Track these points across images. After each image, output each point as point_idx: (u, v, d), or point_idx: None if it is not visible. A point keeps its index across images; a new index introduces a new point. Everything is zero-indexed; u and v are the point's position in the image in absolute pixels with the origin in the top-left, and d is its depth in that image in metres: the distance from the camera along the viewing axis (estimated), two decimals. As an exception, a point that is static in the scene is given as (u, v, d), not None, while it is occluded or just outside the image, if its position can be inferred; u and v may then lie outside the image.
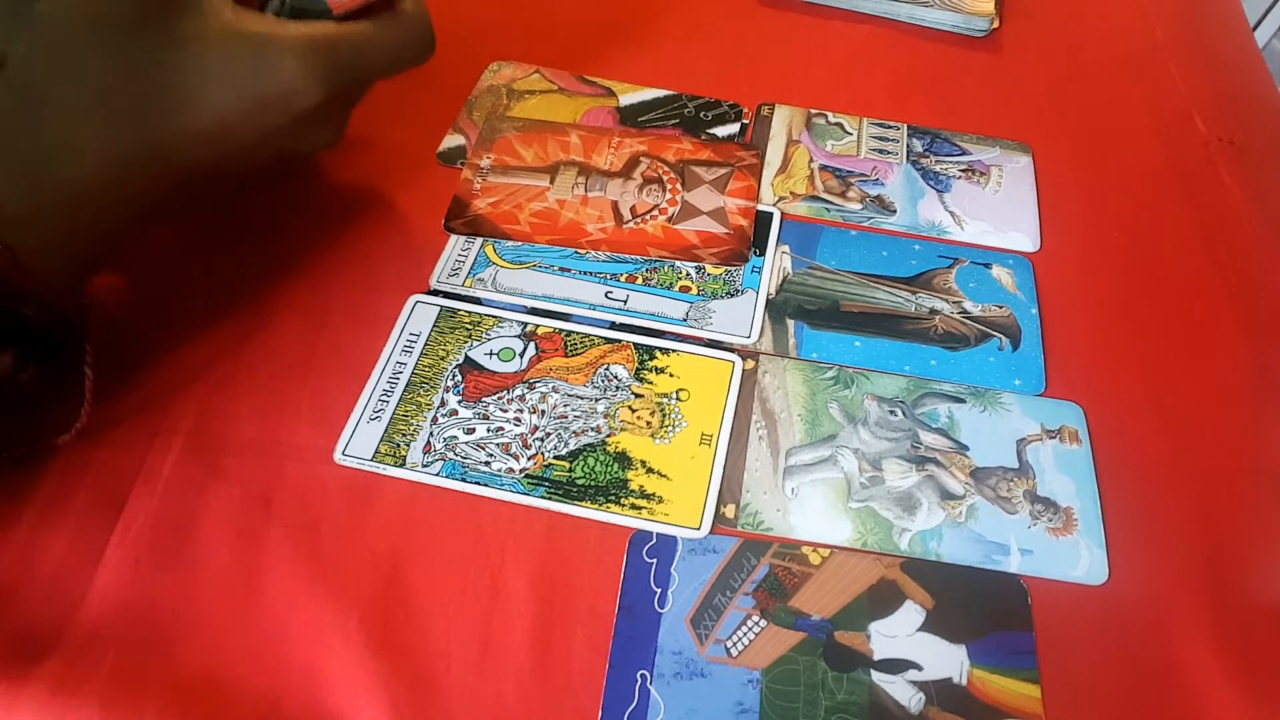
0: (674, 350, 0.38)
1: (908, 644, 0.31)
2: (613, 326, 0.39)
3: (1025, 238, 0.44)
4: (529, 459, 0.35)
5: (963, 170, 0.46)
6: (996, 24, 0.54)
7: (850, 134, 0.48)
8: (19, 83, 0.30)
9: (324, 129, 0.37)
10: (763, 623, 0.32)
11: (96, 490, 0.33)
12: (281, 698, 0.29)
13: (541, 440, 0.35)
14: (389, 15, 0.38)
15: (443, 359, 0.37)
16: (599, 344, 0.38)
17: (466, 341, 0.38)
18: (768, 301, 0.40)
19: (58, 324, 0.31)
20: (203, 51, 0.32)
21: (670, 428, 0.36)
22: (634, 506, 0.34)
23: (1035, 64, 0.53)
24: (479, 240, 0.41)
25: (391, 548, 0.33)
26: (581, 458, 0.35)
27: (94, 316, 0.32)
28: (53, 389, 0.33)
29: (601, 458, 0.35)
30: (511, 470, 0.34)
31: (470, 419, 0.36)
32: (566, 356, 0.38)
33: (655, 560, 0.33)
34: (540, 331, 0.38)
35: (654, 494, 0.34)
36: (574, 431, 0.35)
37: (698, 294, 0.40)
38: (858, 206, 0.44)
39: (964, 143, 0.48)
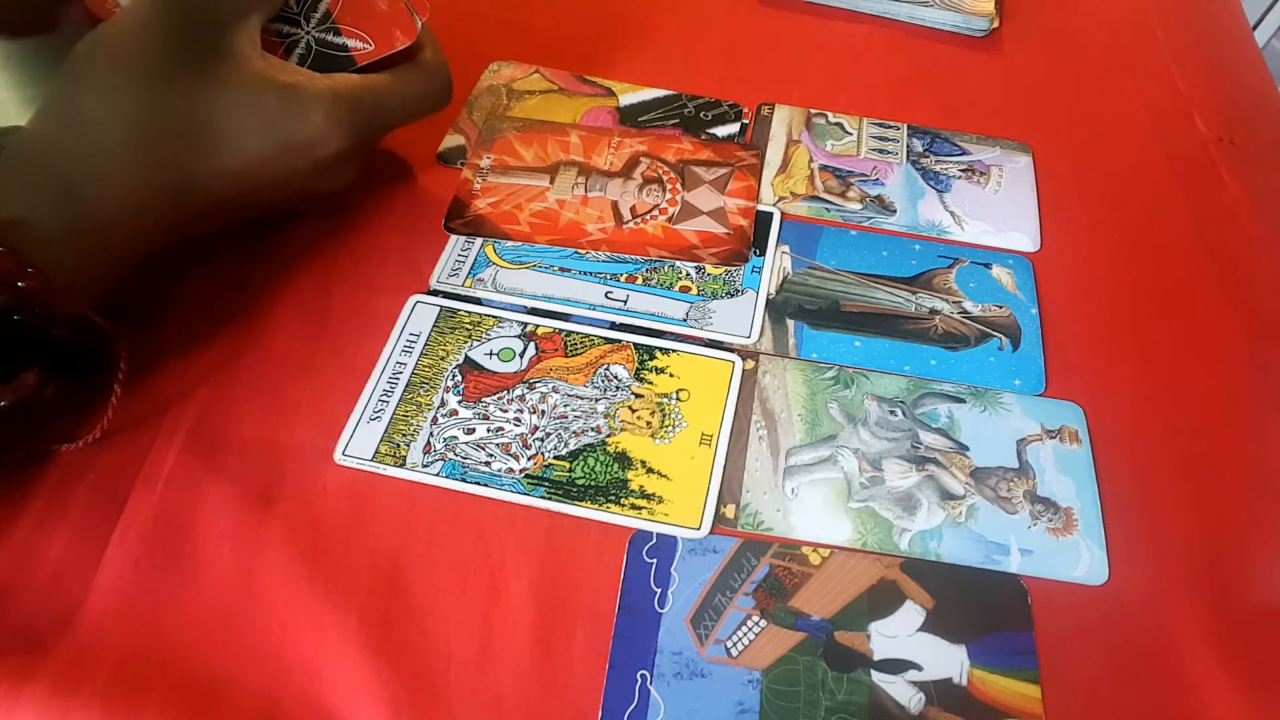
0: (674, 350, 0.38)
1: (908, 644, 0.31)
2: (613, 326, 0.39)
3: (1025, 238, 0.44)
4: (529, 459, 0.35)
5: (963, 170, 0.46)
6: (996, 24, 0.54)
7: (850, 134, 0.48)
8: (60, 116, 0.32)
9: (342, 171, 0.39)
10: (763, 623, 0.32)
11: (96, 490, 0.33)
12: (281, 698, 0.29)
13: (541, 440, 0.35)
14: (410, 66, 0.39)
15: (443, 359, 0.37)
16: (599, 344, 0.38)
17: (466, 341, 0.38)
18: (768, 301, 0.40)
19: (85, 343, 0.32)
20: (234, 97, 0.33)
21: (670, 428, 0.36)
22: (634, 506, 0.34)
23: (1035, 64, 0.53)
24: (479, 240, 0.41)
25: (391, 548, 0.33)
26: (581, 458, 0.35)
27: (126, 335, 0.32)
28: (72, 399, 0.33)
29: (601, 458, 0.35)
30: (511, 470, 0.34)
31: (470, 419, 0.36)
32: (566, 356, 0.38)
33: (655, 560, 0.33)
34: (540, 331, 0.38)
35: (654, 494, 0.34)
36: (574, 431, 0.35)
37: (698, 294, 0.40)
38: (858, 206, 0.44)
39: (964, 143, 0.48)
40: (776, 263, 0.42)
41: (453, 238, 0.41)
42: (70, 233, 0.31)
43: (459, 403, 0.36)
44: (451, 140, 0.46)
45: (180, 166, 0.33)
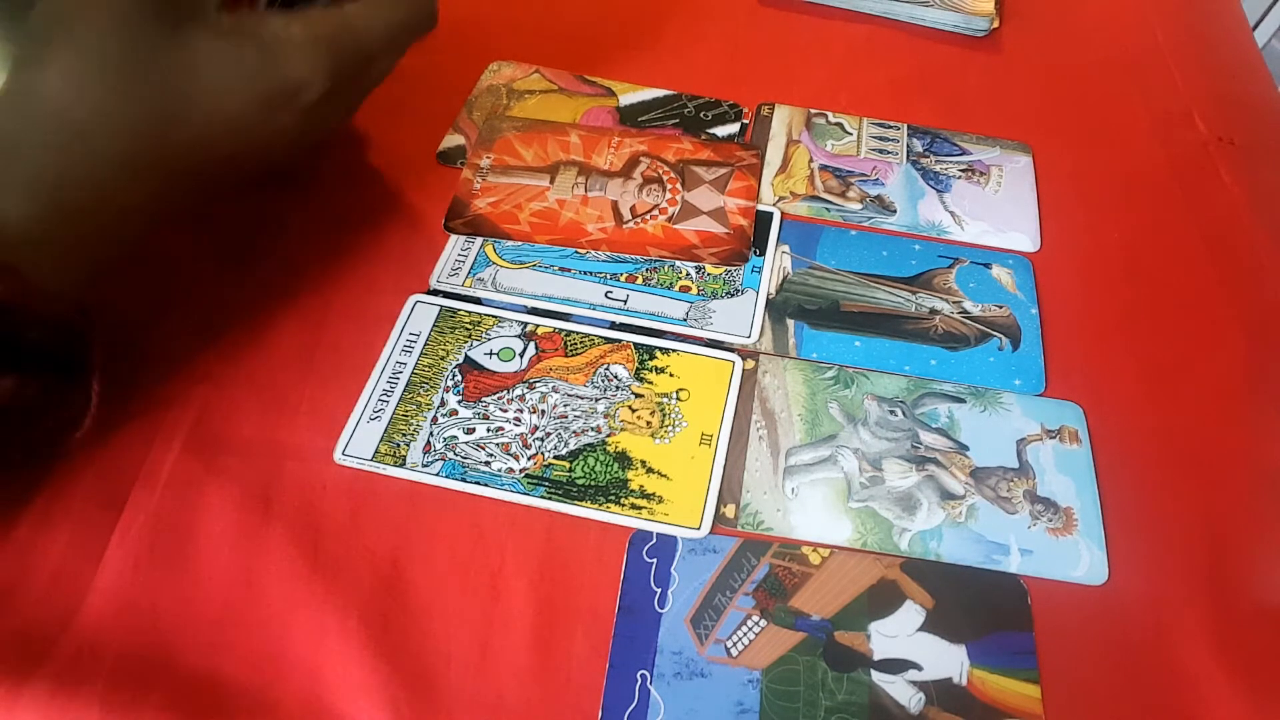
0: (674, 350, 0.38)
1: (908, 644, 0.31)
2: (613, 326, 0.39)
3: (1025, 238, 0.44)
4: (529, 459, 0.35)
5: (963, 170, 0.46)
6: (996, 24, 0.54)
7: (850, 134, 0.48)
8: (21, 103, 0.30)
9: (333, 114, 0.36)
10: (763, 623, 0.32)
11: (96, 490, 0.33)
12: (281, 698, 0.29)
13: (541, 440, 0.35)
14: None
15: (443, 359, 0.37)
16: (599, 344, 0.38)
17: (466, 341, 0.38)
18: (768, 301, 0.40)
19: (64, 341, 0.30)
20: (207, 57, 0.31)
21: (670, 428, 0.36)
22: (634, 506, 0.34)
23: (1035, 64, 0.53)
24: (479, 240, 0.41)
25: (391, 548, 0.33)
26: (581, 458, 0.35)
27: (100, 333, 0.31)
28: (56, 398, 0.33)
29: (601, 458, 0.35)
30: (511, 470, 0.34)
31: (470, 419, 0.36)
32: (566, 356, 0.38)
33: (655, 560, 0.33)
34: (540, 331, 0.38)
35: (654, 494, 0.34)
36: (574, 431, 0.35)
37: (698, 294, 0.40)
38: (858, 206, 0.44)
39: (964, 143, 0.48)
40: (776, 263, 0.42)
41: (453, 237, 0.41)
42: (44, 226, 0.29)
43: (459, 402, 0.36)
44: (451, 140, 0.46)
45: (159, 140, 0.31)
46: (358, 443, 0.35)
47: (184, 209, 0.34)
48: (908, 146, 0.47)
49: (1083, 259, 0.43)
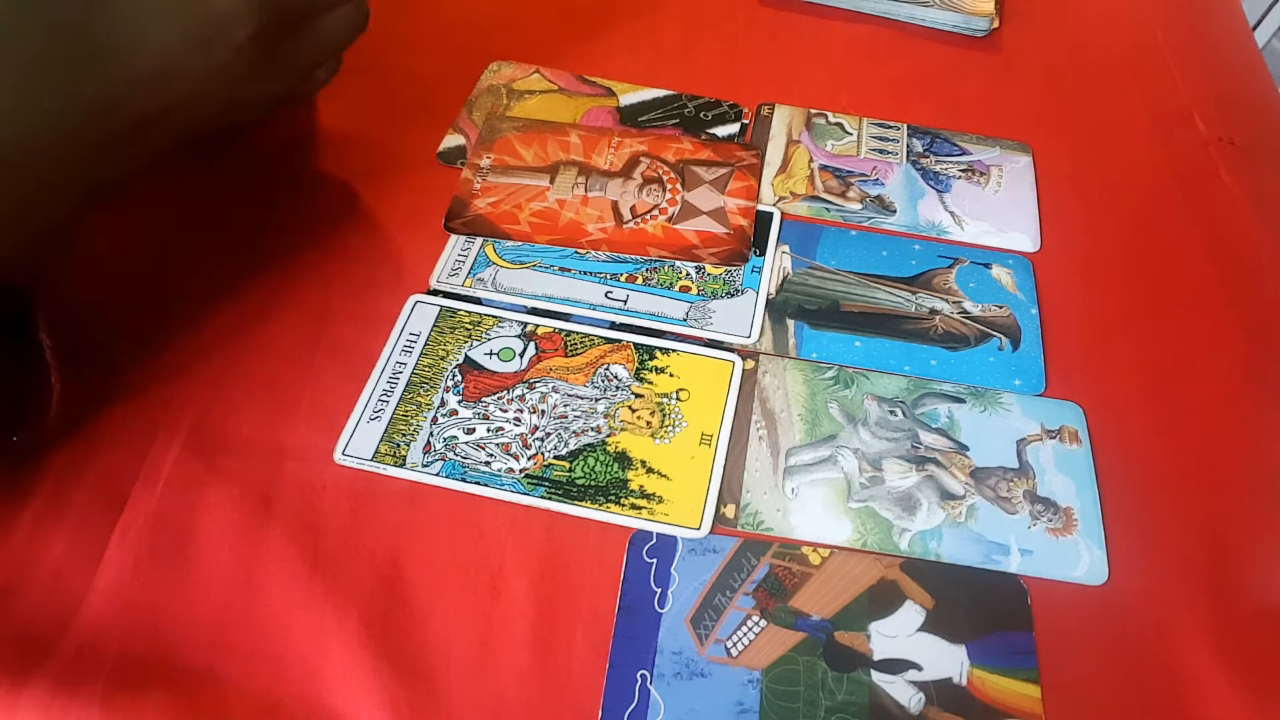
0: (674, 350, 0.38)
1: (908, 644, 0.31)
2: (613, 326, 0.39)
3: (1025, 238, 0.44)
4: (529, 459, 0.35)
5: (963, 170, 0.46)
6: (996, 24, 0.54)
7: (850, 134, 0.48)
8: None
9: (274, 70, 0.34)
10: (763, 623, 0.32)
11: (96, 490, 0.33)
12: (281, 698, 0.29)
13: (541, 440, 0.35)
14: None
15: (443, 359, 0.37)
16: (599, 344, 0.38)
17: (466, 341, 0.38)
18: (768, 301, 0.40)
19: (10, 304, 0.29)
20: None
21: (670, 428, 0.36)
22: (634, 506, 0.34)
23: (1035, 64, 0.53)
24: (479, 240, 0.41)
25: (391, 548, 0.33)
26: (581, 458, 0.35)
27: (46, 291, 0.30)
28: (25, 368, 0.32)
29: (601, 458, 0.35)
30: (511, 470, 0.34)
31: (470, 419, 0.36)
32: (566, 356, 0.38)
33: (655, 560, 0.33)
34: (540, 331, 0.38)
35: (654, 494, 0.34)
36: (574, 431, 0.35)
37: (698, 294, 0.40)
38: (858, 206, 0.44)
39: (964, 143, 0.48)
40: (776, 263, 0.42)
41: (453, 238, 0.41)
42: None
43: (459, 402, 0.36)
44: (451, 140, 0.46)
45: (83, 86, 0.28)
46: (358, 443, 0.35)
47: (130, 168, 0.32)
48: (908, 146, 0.47)
49: (1083, 259, 0.43)
